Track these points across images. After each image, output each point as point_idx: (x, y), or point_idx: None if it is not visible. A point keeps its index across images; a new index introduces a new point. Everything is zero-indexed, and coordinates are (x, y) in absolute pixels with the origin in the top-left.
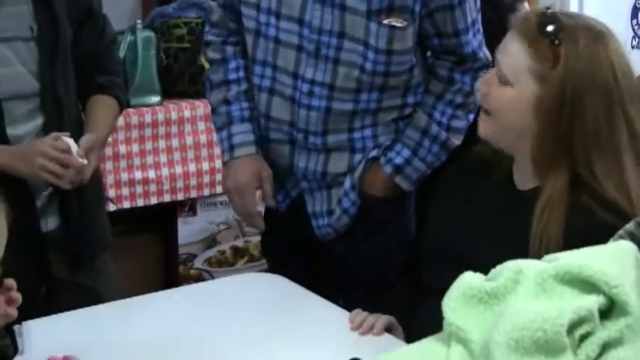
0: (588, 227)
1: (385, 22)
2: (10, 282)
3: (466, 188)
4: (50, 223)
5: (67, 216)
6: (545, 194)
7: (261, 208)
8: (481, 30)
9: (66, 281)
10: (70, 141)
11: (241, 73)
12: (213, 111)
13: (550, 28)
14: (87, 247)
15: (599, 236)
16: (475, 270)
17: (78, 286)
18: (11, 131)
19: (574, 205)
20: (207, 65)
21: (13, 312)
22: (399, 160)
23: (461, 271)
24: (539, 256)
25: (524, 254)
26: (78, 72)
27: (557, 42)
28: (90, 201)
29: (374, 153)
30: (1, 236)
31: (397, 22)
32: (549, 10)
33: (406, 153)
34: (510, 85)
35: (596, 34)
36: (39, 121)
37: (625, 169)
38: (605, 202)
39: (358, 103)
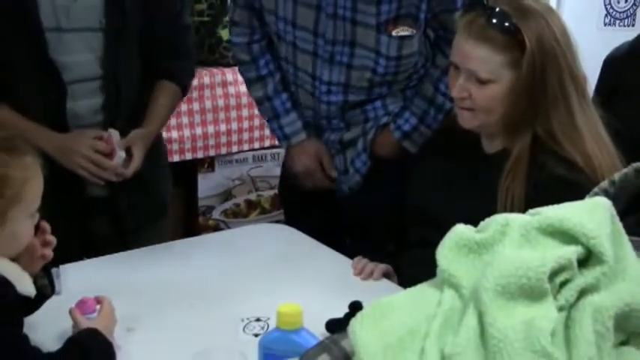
0: (545, 181)
1: (394, 33)
2: (44, 225)
3: (439, 155)
4: (98, 191)
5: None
6: (513, 156)
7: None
8: None
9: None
10: (116, 134)
11: (272, 66)
12: (258, 104)
13: (505, 22)
14: (134, 218)
15: (556, 188)
16: (450, 225)
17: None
18: (71, 106)
19: (534, 162)
20: (225, 36)
21: (49, 253)
22: (407, 127)
23: (438, 230)
24: (505, 209)
25: (493, 208)
26: (150, 56)
27: (513, 29)
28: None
29: (384, 120)
30: (39, 185)
31: (405, 32)
32: (487, 7)
33: (414, 120)
34: (491, 82)
35: (536, 10)
36: (98, 100)
37: (579, 128)
38: (561, 159)
39: (371, 94)
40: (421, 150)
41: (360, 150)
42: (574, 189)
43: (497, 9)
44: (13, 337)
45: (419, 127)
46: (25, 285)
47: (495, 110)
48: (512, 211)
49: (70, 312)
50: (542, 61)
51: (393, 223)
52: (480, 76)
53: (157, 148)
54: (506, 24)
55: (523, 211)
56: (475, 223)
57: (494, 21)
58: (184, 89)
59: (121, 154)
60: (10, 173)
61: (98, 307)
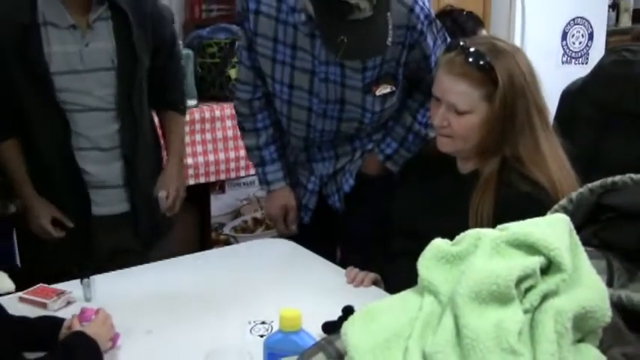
0: (512, 198)
1: (377, 92)
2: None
3: (421, 176)
4: (122, 208)
5: (134, 205)
6: (482, 178)
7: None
8: None
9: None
10: (162, 194)
11: (267, 122)
12: (248, 151)
13: (477, 59)
14: (152, 232)
15: (522, 205)
16: (430, 237)
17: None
18: (90, 133)
19: (502, 182)
20: (233, 75)
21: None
22: (389, 151)
23: (420, 241)
24: (476, 224)
25: (466, 222)
26: (152, 85)
27: (487, 67)
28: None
29: (369, 147)
30: None
31: (386, 89)
32: (462, 46)
33: (395, 145)
34: (468, 113)
35: (507, 51)
36: (115, 127)
37: (543, 152)
38: (526, 178)
39: (359, 133)
40: (405, 170)
41: (348, 173)
42: (538, 205)
43: (473, 49)
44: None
45: (399, 150)
46: (1, 282)
47: (471, 137)
48: (482, 225)
49: (72, 318)
50: (512, 95)
51: (379, 235)
52: (458, 108)
53: None
54: (481, 62)
55: (492, 225)
56: (452, 235)
57: (470, 59)
58: (183, 113)
59: (162, 195)
60: None
61: (94, 317)
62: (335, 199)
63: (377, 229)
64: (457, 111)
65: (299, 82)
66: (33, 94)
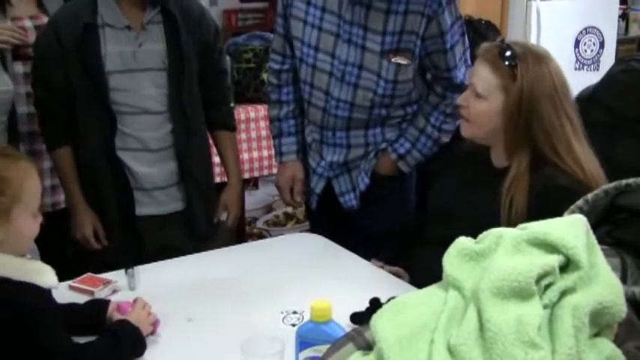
0: (546, 191)
1: (393, 60)
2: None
3: (458, 169)
4: (173, 207)
5: (190, 201)
6: (511, 173)
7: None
8: (468, 61)
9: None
10: (223, 217)
11: (291, 96)
12: (270, 122)
13: (507, 54)
14: (207, 227)
15: (561, 197)
16: (465, 224)
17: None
18: (141, 134)
19: (538, 174)
20: (266, 79)
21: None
22: (402, 151)
23: (456, 226)
24: (509, 218)
25: (498, 213)
26: (203, 101)
27: (513, 64)
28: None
29: (383, 146)
30: (36, 185)
31: (402, 60)
32: (504, 42)
33: (408, 145)
34: (484, 99)
35: (539, 57)
36: (168, 128)
37: (576, 151)
38: (563, 172)
39: (372, 115)
40: (443, 164)
41: (363, 172)
42: (576, 198)
43: (508, 46)
44: (53, 336)
45: (412, 151)
46: (47, 278)
47: (484, 124)
48: (515, 219)
49: (111, 310)
50: (531, 95)
51: (396, 234)
52: (477, 90)
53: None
54: (509, 57)
55: (526, 216)
56: (484, 223)
57: (504, 53)
58: (234, 128)
59: (223, 218)
60: (9, 175)
61: (130, 309)
62: (351, 197)
63: (395, 228)
64: (476, 93)
65: (324, 45)
66: (87, 94)
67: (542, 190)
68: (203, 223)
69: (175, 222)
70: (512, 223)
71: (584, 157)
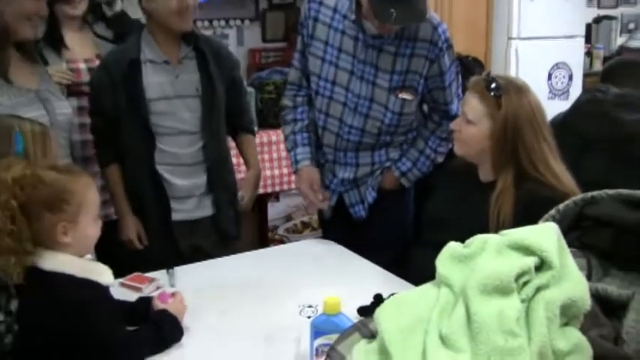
0: (532, 202)
1: (399, 96)
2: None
3: (450, 183)
4: (203, 213)
5: (219, 207)
6: (498, 187)
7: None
8: (460, 95)
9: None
10: (240, 195)
11: (305, 115)
12: (286, 138)
13: (493, 86)
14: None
15: (540, 207)
16: (456, 230)
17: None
18: (177, 151)
19: (521, 189)
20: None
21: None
22: (404, 168)
23: (448, 231)
24: (496, 226)
25: (486, 222)
26: (228, 115)
27: (498, 95)
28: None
29: (387, 164)
30: (96, 196)
31: (407, 96)
32: (490, 76)
33: (409, 164)
34: (474, 124)
35: (520, 88)
36: (199, 145)
37: (553, 167)
38: (544, 185)
39: (378, 140)
40: (437, 178)
41: (370, 187)
42: (556, 205)
43: (493, 79)
44: (109, 324)
45: (412, 169)
46: (106, 276)
47: (474, 145)
48: (502, 227)
49: (153, 300)
50: (515, 121)
51: (399, 240)
52: (467, 116)
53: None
54: (494, 89)
55: (512, 226)
56: (471, 227)
57: (489, 85)
58: (254, 133)
59: (241, 195)
60: (74, 187)
61: (171, 300)
62: (360, 208)
63: (396, 234)
64: (467, 120)
65: (340, 80)
66: (131, 118)
67: (528, 202)
68: (233, 226)
69: (204, 226)
70: (499, 231)
71: (561, 173)
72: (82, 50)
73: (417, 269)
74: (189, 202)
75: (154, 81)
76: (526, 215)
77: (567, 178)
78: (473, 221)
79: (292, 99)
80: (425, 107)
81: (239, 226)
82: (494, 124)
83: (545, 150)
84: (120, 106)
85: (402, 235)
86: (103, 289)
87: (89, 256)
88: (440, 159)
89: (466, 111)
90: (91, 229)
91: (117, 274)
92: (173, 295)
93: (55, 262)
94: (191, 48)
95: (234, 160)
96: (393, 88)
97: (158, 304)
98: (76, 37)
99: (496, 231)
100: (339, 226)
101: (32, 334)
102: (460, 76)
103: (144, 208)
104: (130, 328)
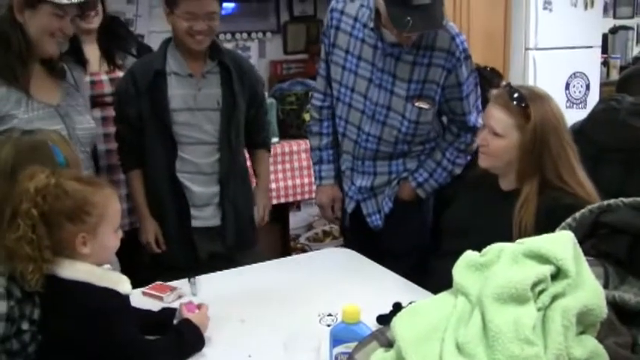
0: (554, 210)
1: (416, 104)
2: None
3: (469, 194)
4: (216, 222)
5: (224, 218)
6: (523, 196)
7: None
8: (479, 107)
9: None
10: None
11: (330, 130)
12: (312, 150)
13: (518, 97)
14: (236, 243)
15: (563, 215)
16: (476, 239)
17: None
18: (197, 160)
19: (545, 197)
20: (307, 118)
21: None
22: (420, 179)
23: (468, 241)
24: (520, 234)
25: (507, 230)
26: (247, 130)
27: (525, 105)
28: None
29: (404, 175)
30: (117, 207)
31: (424, 105)
32: (511, 87)
33: (426, 175)
34: (502, 137)
35: (543, 97)
36: (216, 156)
37: (578, 174)
38: (568, 193)
39: (395, 149)
40: (457, 188)
41: (387, 197)
42: (564, 229)
43: (517, 89)
44: (128, 333)
45: (429, 180)
46: (124, 286)
47: (503, 157)
48: (526, 235)
49: (180, 306)
50: (543, 130)
51: (413, 246)
52: (495, 130)
53: (250, 198)
54: (520, 99)
55: (535, 234)
56: (492, 236)
57: (512, 96)
58: (269, 149)
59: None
60: (95, 199)
61: (197, 311)
62: (377, 218)
63: (413, 244)
64: (494, 133)
65: (359, 88)
66: (155, 127)
67: (551, 210)
68: (232, 240)
69: (219, 234)
70: (522, 238)
71: (584, 179)
72: (103, 64)
73: (436, 278)
74: (207, 209)
75: (177, 93)
76: (548, 223)
77: (589, 185)
78: (493, 230)
79: (319, 111)
80: (444, 119)
81: (255, 233)
82: (523, 135)
83: (571, 156)
84: (144, 114)
85: (419, 245)
86: (122, 298)
87: (108, 265)
88: (458, 170)
89: (493, 124)
90: (110, 240)
91: (140, 279)
92: (199, 306)
93: (74, 270)
94: (216, 63)
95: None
96: (410, 97)
97: (184, 313)
98: (94, 51)
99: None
100: (357, 235)
101: (54, 343)
102: (479, 87)
103: (164, 215)
104: (152, 338)
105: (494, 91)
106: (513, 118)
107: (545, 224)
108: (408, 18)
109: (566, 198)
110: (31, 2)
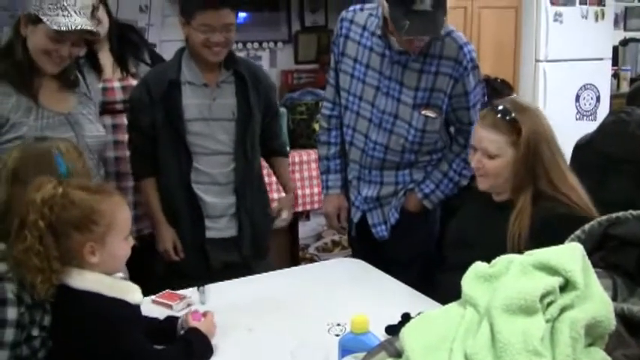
0: (549, 220)
1: (423, 113)
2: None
3: (472, 203)
4: (231, 233)
5: (241, 228)
6: (517, 207)
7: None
8: None
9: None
10: (283, 214)
11: (338, 139)
12: (320, 160)
13: (507, 116)
14: (252, 253)
15: (559, 223)
16: (479, 250)
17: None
18: (211, 170)
19: (538, 207)
20: (317, 128)
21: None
22: (427, 190)
23: (472, 252)
24: (514, 245)
25: (503, 240)
26: (263, 138)
27: (514, 119)
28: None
29: (411, 186)
30: (127, 215)
31: (431, 114)
32: (494, 105)
33: (432, 186)
34: (497, 157)
35: (528, 107)
36: (232, 166)
37: (569, 179)
38: (561, 203)
39: (402, 158)
40: (464, 199)
41: (394, 208)
42: (573, 221)
43: (501, 106)
44: (137, 342)
45: (435, 191)
46: (135, 296)
47: (501, 176)
48: (520, 246)
49: (185, 316)
50: (535, 141)
51: (419, 256)
52: (489, 152)
53: (266, 207)
54: (507, 116)
55: (530, 244)
56: (490, 245)
57: (499, 114)
58: (287, 155)
59: (277, 217)
60: (103, 208)
61: (202, 319)
62: (382, 229)
63: (419, 254)
64: (489, 155)
65: (366, 96)
66: (169, 136)
67: (545, 220)
68: (249, 250)
69: (233, 245)
70: (517, 249)
71: (575, 183)
72: (116, 69)
73: (442, 289)
74: (222, 220)
75: (192, 102)
76: (543, 233)
77: (581, 189)
78: (494, 241)
79: (327, 120)
80: (452, 129)
81: (265, 244)
82: (517, 151)
83: (560, 162)
84: (157, 123)
85: (425, 255)
86: (132, 308)
87: (120, 274)
88: (464, 182)
89: (486, 146)
90: (119, 249)
91: (152, 286)
92: (204, 314)
93: (83, 280)
94: (231, 72)
95: (266, 180)
96: (417, 105)
97: (190, 322)
98: (106, 57)
99: (514, 250)
100: (363, 244)
101: (63, 350)
102: (487, 98)
103: (178, 224)
104: (157, 347)
105: (481, 114)
106: (505, 136)
107: (540, 235)
108: (406, 21)
109: (560, 207)
110: (33, 19)
